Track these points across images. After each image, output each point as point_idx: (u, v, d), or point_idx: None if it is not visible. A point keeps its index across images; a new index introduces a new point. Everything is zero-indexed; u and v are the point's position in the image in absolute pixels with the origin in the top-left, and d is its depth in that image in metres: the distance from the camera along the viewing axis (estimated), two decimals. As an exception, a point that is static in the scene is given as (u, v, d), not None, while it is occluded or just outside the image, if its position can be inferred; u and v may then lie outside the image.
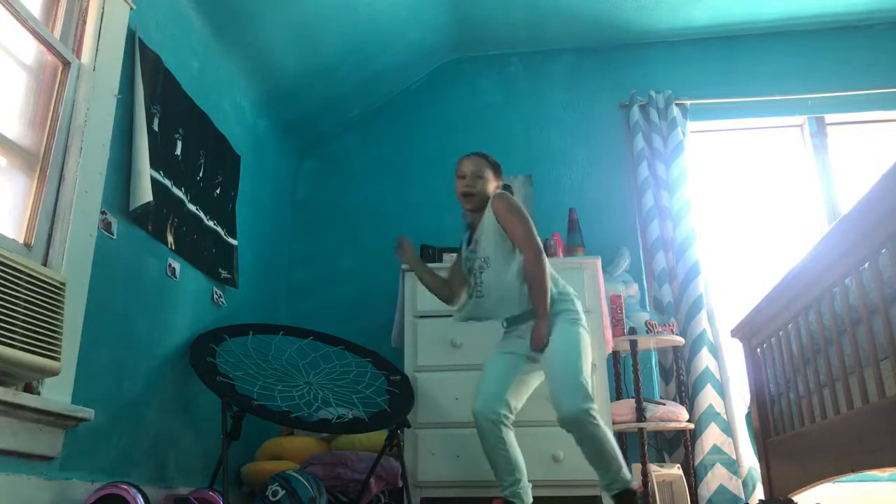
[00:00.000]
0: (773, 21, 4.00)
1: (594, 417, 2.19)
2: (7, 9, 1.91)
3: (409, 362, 3.04)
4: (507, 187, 2.74)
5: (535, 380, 2.51)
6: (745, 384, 3.02)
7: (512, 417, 2.39)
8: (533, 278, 2.36)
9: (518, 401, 2.45)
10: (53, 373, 1.74)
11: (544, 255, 2.41)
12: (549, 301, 2.35)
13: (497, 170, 2.59)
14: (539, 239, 2.43)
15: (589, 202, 3.85)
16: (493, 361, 2.48)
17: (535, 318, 2.36)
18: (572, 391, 2.21)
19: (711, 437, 3.21)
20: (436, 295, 2.73)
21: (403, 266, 3.20)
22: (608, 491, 2.28)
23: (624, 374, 3.43)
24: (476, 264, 2.52)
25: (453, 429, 2.91)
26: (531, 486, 2.40)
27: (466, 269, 2.60)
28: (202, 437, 2.81)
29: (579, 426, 2.19)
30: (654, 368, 3.53)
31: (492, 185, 2.54)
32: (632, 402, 3.05)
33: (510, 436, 2.36)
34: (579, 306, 2.43)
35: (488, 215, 2.47)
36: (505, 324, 2.53)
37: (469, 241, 2.60)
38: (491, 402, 2.35)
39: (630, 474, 2.28)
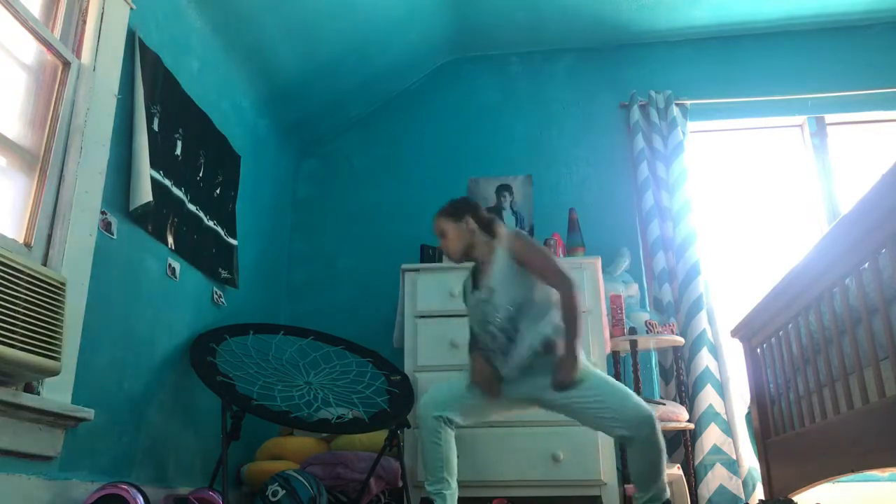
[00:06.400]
0: (773, 21, 3.99)
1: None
2: (7, 9, 1.91)
3: (409, 362, 3.04)
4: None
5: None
6: (745, 384, 3.02)
7: (455, 423, 2.33)
8: (573, 312, 2.21)
9: (466, 421, 2.39)
10: (53, 373, 1.74)
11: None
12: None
13: (459, 213, 2.36)
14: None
15: (589, 202, 3.85)
16: (465, 392, 2.35)
17: (563, 351, 2.21)
18: (638, 400, 2.22)
19: (711, 437, 3.21)
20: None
21: (404, 266, 3.21)
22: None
23: (624, 374, 3.43)
24: (498, 313, 2.27)
25: (453, 429, 2.91)
26: (458, 491, 2.33)
27: (482, 316, 2.33)
28: (202, 437, 2.81)
29: (655, 428, 2.16)
30: (654, 368, 3.53)
31: (459, 233, 2.36)
32: (632, 402, 3.05)
33: (449, 435, 2.31)
34: None
35: (499, 256, 2.29)
36: (517, 371, 2.28)
37: (477, 286, 2.37)
38: (435, 409, 2.31)
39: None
